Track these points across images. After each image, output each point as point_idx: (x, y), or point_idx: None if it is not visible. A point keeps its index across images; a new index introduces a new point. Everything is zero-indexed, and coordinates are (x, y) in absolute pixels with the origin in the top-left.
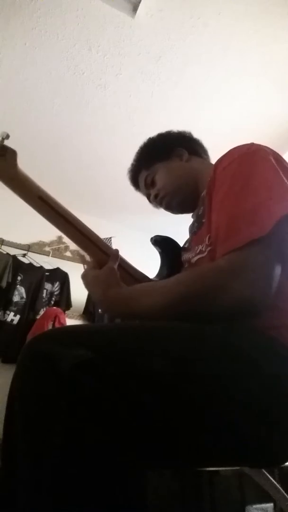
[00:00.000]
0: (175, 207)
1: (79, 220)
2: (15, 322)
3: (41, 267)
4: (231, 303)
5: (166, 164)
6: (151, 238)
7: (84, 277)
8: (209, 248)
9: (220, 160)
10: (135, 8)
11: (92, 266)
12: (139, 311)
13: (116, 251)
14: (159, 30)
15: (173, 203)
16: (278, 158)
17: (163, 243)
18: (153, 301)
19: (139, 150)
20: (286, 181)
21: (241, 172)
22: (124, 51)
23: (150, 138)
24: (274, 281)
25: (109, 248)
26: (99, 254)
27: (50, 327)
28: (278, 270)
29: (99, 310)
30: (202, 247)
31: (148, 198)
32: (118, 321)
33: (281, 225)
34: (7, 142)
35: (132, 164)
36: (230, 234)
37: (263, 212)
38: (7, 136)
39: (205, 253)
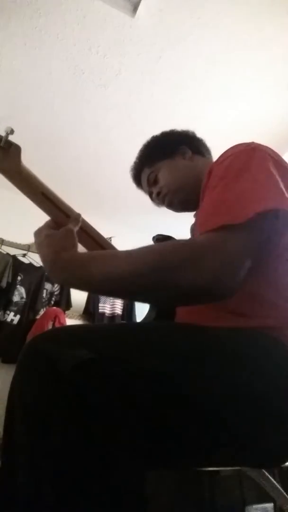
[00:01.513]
0: (177, 205)
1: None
2: (15, 322)
3: (41, 267)
4: (201, 280)
5: (170, 162)
6: (153, 237)
7: (37, 234)
8: None
9: (218, 159)
10: (135, 8)
11: (48, 225)
12: (98, 277)
13: (78, 214)
14: (159, 30)
15: (175, 201)
16: (277, 159)
17: None
18: (118, 267)
19: (142, 147)
20: (280, 182)
21: (234, 166)
22: (124, 51)
23: (153, 136)
24: (242, 269)
25: (72, 210)
26: (60, 216)
27: (50, 327)
28: (248, 262)
29: (46, 270)
30: None
31: (150, 196)
32: (119, 319)
33: (266, 218)
34: (11, 137)
35: (135, 162)
36: (208, 219)
37: (244, 202)
38: (12, 131)
39: None
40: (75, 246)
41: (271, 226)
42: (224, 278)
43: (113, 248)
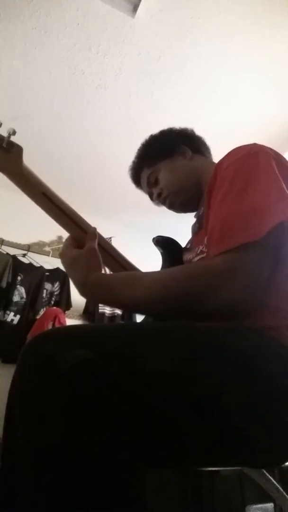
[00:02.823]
0: (178, 206)
1: (81, 217)
2: (15, 322)
3: (41, 267)
4: (219, 304)
5: (170, 163)
6: (153, 239)
7: (63, 256)
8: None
9: (221, 161)
10: (135, 8)
11: (70, 244)
12: (123, 302)
13: (94, 228)
14: (159, 30)
15: (176, 202)
16: (279, 159)
17: (165, 244)
18: (140, 293)
19: (140, 147)
20: (284, 185)
21: (241, 174)
22: (124, 51)
23: (152, 135)
24: (262, 285)
25: (87, 224)
26: (77, 231)
27: (50, 327)
28: (267, 274)
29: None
30: (203, 248)
31: (150, 196)
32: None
33: (276, 231)
34: (13, 138)
35: (134, 162)
36: (224, 236)
37: (259, 217)
38: (14, 132)
39: (205, 253)
40: (100, 265)
41: (281, 237)
42: (245, 300)
43: (123, 259)
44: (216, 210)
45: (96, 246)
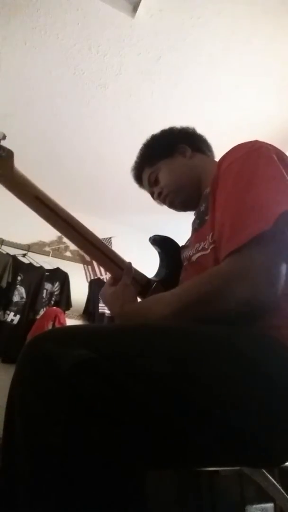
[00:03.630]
0: (178, 205)
1: (77, 220)
2: (15, 322)
3: (41, 267)
4: (235, 307)
5: (169, 162)
6: (150, 238)
7: (103, 295)
8: (212, 246)
9: (223, 158)
10: (135, 8)
11: (111, 283)
12: (151, 320)
13: (129, 264)
14: (159, 30)
15: (176, 201)
16: (280, 155)
17: (162, 243)
18: (162, 310)
19: (142, 147)
20: (287, 178)
21: (244, 170)
22: (124, 51)
23: (152, 135)
24: (279, 279)
25: (123, 261)
26: (114, 268)
27: (50, 327)
28: (283, 268)
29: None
30: (205, 245)
31: (152, 195)
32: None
33: (282, 221)
34: (3, 143)
35: (135, 162)
36: (233, 232)
37: (263, 211)
38: (4, 137)
39: (208, 250)
40: (134, 297)
41: (287, 227)
42: (261, 296)
43: (148, 281)
44: (223, 208)
45: (129, 281)
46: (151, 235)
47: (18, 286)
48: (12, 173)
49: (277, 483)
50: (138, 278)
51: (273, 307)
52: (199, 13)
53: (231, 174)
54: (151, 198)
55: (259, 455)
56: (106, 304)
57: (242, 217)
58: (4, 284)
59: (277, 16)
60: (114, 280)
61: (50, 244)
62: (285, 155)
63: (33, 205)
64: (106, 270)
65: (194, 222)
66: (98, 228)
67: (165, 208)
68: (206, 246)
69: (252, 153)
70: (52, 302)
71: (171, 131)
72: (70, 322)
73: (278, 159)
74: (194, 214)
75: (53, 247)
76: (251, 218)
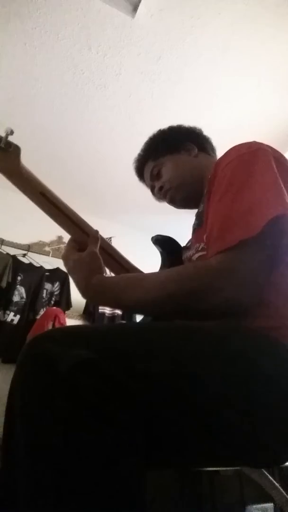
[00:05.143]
0: (179, 202)
1: (82, 218)
2: (15, 322)
3: (41, 267)
4: (219, 303)
5: (174, 157)
6: (152, 238)
7: (65, 259)
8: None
9: (221, 159)
10: (135, 8)
11: (72, 247)
12: (124, 304)
13: (96, 231)
14: (159, 30)
15: (177, 197)
16: (278, 157)
17: (164, 243)
18: (140, 296)
19: (148, 140)
20: (282, 183)
21: (239, 172)
22: (124, 51)
23: (160, 130)
24: (259, 286)
25: (89, 227)
26: (78, 232)
27: (50, 327)
28: (267, 271)
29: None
30: (203, 245)
31: (152, 190)
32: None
33: (274, 225)
34: (11, 138)
35: (139, 154)
36: (221, 235)
37: (254, 214)
38: (12, 132)
39: (206, 251)
40: (101, 268)
41: (280, 231)
42: (244, 298)
43: (125, 260)
44: (215, 209)
45: (97, 249)
46: (154, 235)
47: (18, 286)
48: (19, 168)
49: (277, 483)
50: (112, 253)
51: (255, 307)
52: (199, 13)
53: (226, 176)
54: (151, 198)
55: (259, 455)
56: (70, 272)
57: (233, 218)
58: (4, 284)
59: (277, 16)
60: (77, 244)
61: (50, 244)
62: (284, 157)
63: (38, 201)
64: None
65: (194, 223)
66: (98, 228)
67: (165, 208)
68: (204, 246)
69: (248, 155)
70: (52, 302)
71: (180, 128)
72: (70, 322)
73: (276, 161)
74: (195, 215)
75: (53, 247)
76: (243, 220)
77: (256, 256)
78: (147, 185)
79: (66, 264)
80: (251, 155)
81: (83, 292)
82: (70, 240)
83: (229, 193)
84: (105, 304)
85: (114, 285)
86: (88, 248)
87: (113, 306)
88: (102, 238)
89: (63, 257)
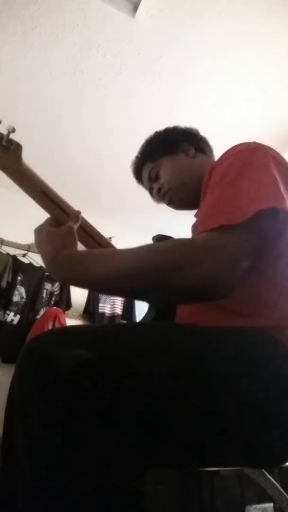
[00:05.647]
0: (178, 203)
1: (83, 218)
2: (15, 322)
3: (41, 267)
4: (197, 278)
5: (172, 159)
6: (153, 237)
7: (37, 231)
8: None
9: (219, 158)
10: (135, 8)
11: (48, 223)
12: (97, 276)
13: (78, 212)
14: (159, 30)
15: (175, 198)
16: (277, 158)
17: None
18: (115, 266)
19: (145, 142)
20: (280, 182)
21: (234, 166)
22: (124, 51)
23: (157, 131)
24: (238, 270)
25: (72, 209)
26: (60, 214)
27: (50, 327)
28: (248, 259)
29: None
30: None
31: (151, 192)
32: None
33: (263, 217)
34: (12, 136)
35: (137, 156)
36: (208, 217)
37: (244, 202)
38: (13, 130)
39: None
40: (75, 244)
41: (269, 225)
42: (221, 279)
43: (112, 246)
44: (207, 198)
45: (75, 227)
46: (154, 235)
47: (18, 286)
48: (20, 166)
49: (277, 483)
50: (95, 235)
51: (229, 294)
52: (199, 13)
53: (222, 171)
54: (151, 198)
55: (259, 455)
56: (39, 244)
57: (220, 204)
58: (4, 284)
59: (277, 16)
60: (55, 222)
61: None
62: (282, 157)
63: (39, 199)
64: None
65: (193, 223)
66: (98, 228)
67: (165, 208)
68: None
69: (245, 153)
70: (52, 302)
71: (176, 129)
72: (70, 322)
73: (275, 161)
74: (195, 216)
75: None
76: (231, 207)
77: (239, 241)
78: (145, 187)
79: (38, 235)
80: (248, 153)
81: (48, 264)
82: (49, 218)
83: (221, 184)
84: (73, 280)
85: (85, 257)
86: (65, 224)
87: (82, 282)
88: (84, 219)
89: (36, 229)
